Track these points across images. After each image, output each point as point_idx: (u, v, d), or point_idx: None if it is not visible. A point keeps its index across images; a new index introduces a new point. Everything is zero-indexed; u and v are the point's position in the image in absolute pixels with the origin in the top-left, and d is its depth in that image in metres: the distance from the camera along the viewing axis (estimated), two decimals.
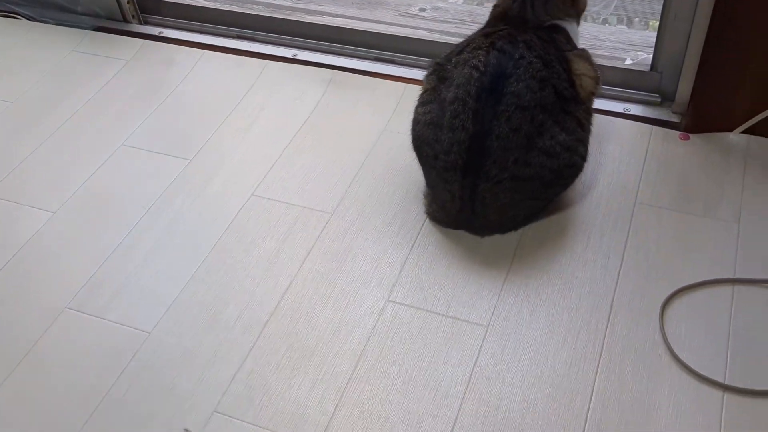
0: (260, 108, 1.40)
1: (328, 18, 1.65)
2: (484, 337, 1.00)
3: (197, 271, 1.12)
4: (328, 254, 1.12)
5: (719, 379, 0.92)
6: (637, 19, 1.66)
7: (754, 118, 1.19)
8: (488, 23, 1.15)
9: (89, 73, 1.51)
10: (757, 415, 0.89)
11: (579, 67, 1.08)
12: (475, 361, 0.97)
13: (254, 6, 1.72)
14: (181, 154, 1.31)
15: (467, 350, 0.98)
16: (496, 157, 1.01)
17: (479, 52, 1.04)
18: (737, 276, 1.03)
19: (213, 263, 1.13)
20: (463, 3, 1.72)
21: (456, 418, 0.92)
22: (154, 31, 1.62)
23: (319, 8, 1.71)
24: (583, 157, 1.07)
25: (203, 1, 1.72)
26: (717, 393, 0.91)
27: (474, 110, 1.01)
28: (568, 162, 1.04)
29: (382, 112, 1.36)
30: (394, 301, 1.05)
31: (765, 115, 1.17)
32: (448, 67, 1.08)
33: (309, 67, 1.48)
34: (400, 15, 1.69)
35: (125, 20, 1.64)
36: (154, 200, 1.23)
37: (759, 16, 1.09)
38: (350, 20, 1.64)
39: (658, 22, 1.64)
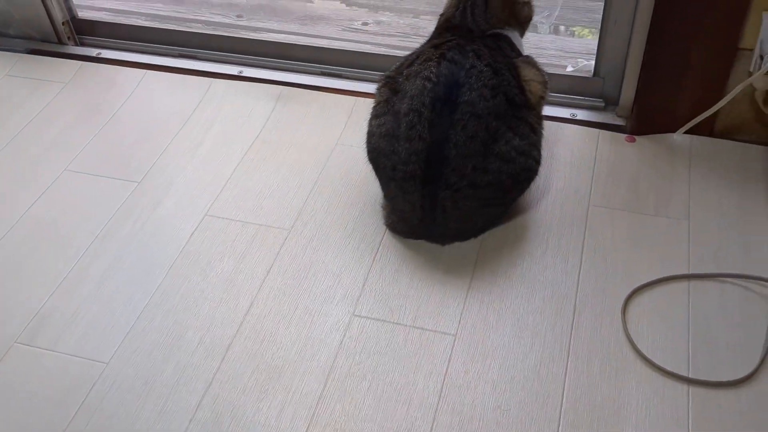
0: (208, 126, 1.37)
1: (271, 34, 1.64)
2: (453, 346, 0.99)
3: (153, 296, 1.08)
4: (289, 272, 1.10)
5: (683, 373, 0.94)
6: (574, 28, 1.71)
7: (695, 119, 1.23)
8: (435, 33, 1.16)
9: (26, 98, 1.45)
10: (722, 405, 0.91)
11: (527, 73, 1.10)
12: (446, 371, 0.97)
13: (193, 24, 1.70)
14: (128, 177, 1.27)
15: (437, 360, 0.98)
16: (455, 165, 1.01)
17: (430, 63, 1.05)
18: (692, 272, 1.06)
19: (169, 287, 1.09)
20: (405, 17, 1.73)
21: (431, 431, 0.91)
22: (92, 52, 1.57)
23: (261, 25, 1.70)
24: (538, 161, 1.09)
25: (141, 21, 1.69)
26: (682, 387, 0.93)
27: (430, 120, 1.02)
28: (524, 166, 1.06)
29: (334, 126, 1.35)
30: (359, 316, 1.04)
31: (705, 116, 1.21)
32: (400, 79, 1.09)
33: (256, 84, 1.46)
34: (344, 30, 1.69)
35: (60, 42, 1.58)
36: (102, 226, 1.19)
37: (697, 21, 1.13)
38: (293, 36, 1.63)
39: (592, 30, 1.70)
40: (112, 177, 1.28)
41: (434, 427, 0.91)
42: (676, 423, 0.90)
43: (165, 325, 1.04)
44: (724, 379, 0.93)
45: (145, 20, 1.69)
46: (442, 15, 1.16)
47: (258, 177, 1.26)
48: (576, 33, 1.69)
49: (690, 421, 0.90)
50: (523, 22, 1.16)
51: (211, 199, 1.22)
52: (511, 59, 1.09)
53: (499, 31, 1.11)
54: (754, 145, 1.24)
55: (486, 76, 1.03)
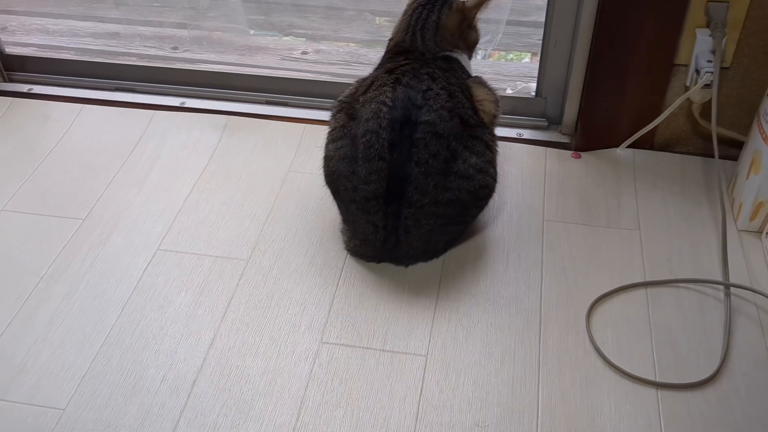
0: (153, 159, 1.33)
1: (210, 65, 1.61)
2: (425, 366, 0.99)
3: (108, 336, 1.03)
4: (251, 302, 1.08)
5: (651, 377, 0.97)
6: (511, 53, 1.76)
7: (636, 134, 1.28)
8: (386, 57, 1.17)
9: None
10: (690, 405, 0.94)
11: (479, 93, 1.12)
12: (421, 392, 0.96)
13: (127, 58, 1.66)
14: (71, 214, 1.22)
15: (411, 382, 0.97)
16: (418, 183, 1.01)
17: (385, 88, 1.06)
18: (648, 279, 1.09)
19: (125, 326, 1.04)
20: (344, 45, 1.74)
21: None
22: (23, 88, 1.51)
23: (198, 56, 1.67)
24: (495, 178, 1.10)
25: (73, 55, 1.63)
26: (651, 391, 0.95)
27: (389, 141, 1.02)
28: (482, 183, 1.07)
29: (284, 153, 1.33)
30: (328, 342, 1.02)
31: (646, 130, 1.26)
32: (356, 106, 1.09)
33: (200, 114, 1.43)
34: (283, 59, 1.68)
35: None
36: (47, 266, 1.13)
37: (634, 40, 1.19)
38: (232, 67, 1.61)
39: (528, 54, 1.75)
40: (55, 215, 1.22)
41: None
42: (648, 426, 0.92)
43: (124, 364, 0.99)
44: (690, 380, 0.96)
45: (75, 55, 1.64)
46: (391, 39, 1.18)
47: (210, 208, 1.23)
48: (514, 57, 1.75)
49: (662, 424, 0.92)
50: (471, 46, 1.18)
51: (162, 233, 1.18)
52: (463, 80, 1.11)
53: (449, 53, 1.13)
54: (693, 156, 1.30)
55: (442, 98, 1.04)
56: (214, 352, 1.01)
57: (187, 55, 1.68)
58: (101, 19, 1.82)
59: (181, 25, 1.75)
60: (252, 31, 1.80)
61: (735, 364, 0.98)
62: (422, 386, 0.96)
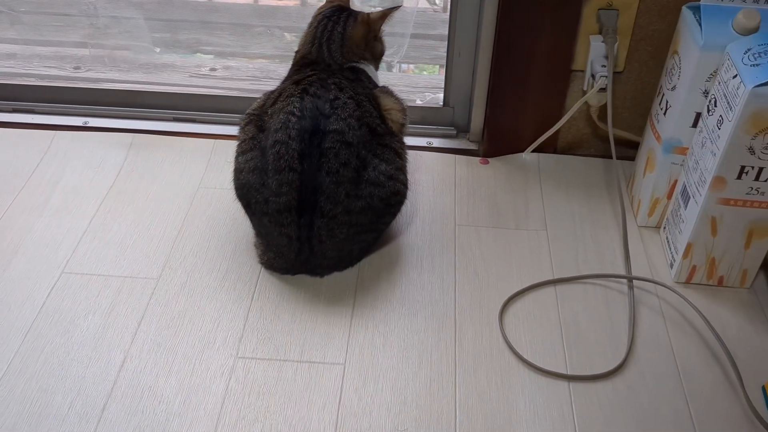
0: (55, 180, 1.28)
1: (114, 84, 1.57)
2: (343, 375, 0.99)
3: (11, 364, 0.98)
4: (162, 321, 1.05)
5: (562, 371, 1.00)
6: (418, 65, 1.80)
7: (539, 139, 1.33)
8: (293, 70, 1.17)
9: None
10: (600, 396, 0.97)
11: (386, 102, 1.13)
12: (340, 401, 0.95)
13: (26, 79, 1.59)
14: None
15: (329, 392, 0.96)
16: (329, 193, 1.02)
17: (293, 99, 1.06)
18: (556, 277, 1.13)
19: (29, 352, 1.00)
20: (254, 61, 1.74)
21: None
22: None
23: (102, 76, 1.63)
24: (405, 185, 1.12)
25: None
26: (563, 384, 0.98)
27: (299, 151, 1.02)
28: (393, 190, 1.08)
29: (194, 170, 1.31)
30: (243, 357, 1.00)
31: (548, 135, 1.31)
32: (265, 118, 1.08)
33: (105, 133, 1.39)
34: (191, 76, 1.66)
35: None
36: None
37: (532, 48, 1.23)
38: (137, 85, 1.58)
39: (436, 66, 1.79)
40: None
41: None
42: (562, 419, 0.94)
43: (28, 393, 0.95)
44: (599, 372, 0.99)
45: None
46: (297, 52, 1.18)
47: (117, 228, 1.19)
48: (426, 72, 1.78)
49: (574, 415, 0.95)
50: (377, 57, 1.20)
51: (66, 255, 1.14)
52: (370, 90, 1.13)
53: (355, 64, 1.15)
54: (594, 158, 1.35)
55: (350, 107, 1.05)
56: (124, 375, 0.98)
57: (89, 74, 1.63)
58: None
59: (82, 44, 1.70)
60: (158, 49, 1.76)
61: (640, 352, 1.02)
62: (341, 395, 0.96)
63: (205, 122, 1.44)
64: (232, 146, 1.12)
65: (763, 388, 0.98)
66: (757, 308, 1.09)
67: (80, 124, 1.42)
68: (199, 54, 1.76)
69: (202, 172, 1.31)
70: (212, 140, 1.38)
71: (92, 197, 1.25)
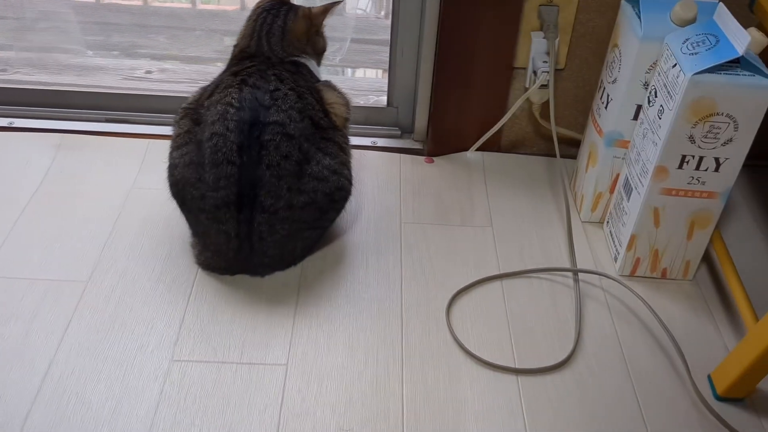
0: None
1: (44, 86, 1.50)
2: (286, 375, 0.94)
3: None
4: (92, 325, 0.99)
5: (510, 364, 0.98)
6: (360, 68, 1.78)
7: (482, 138, 1.32)
8: (232, 62, 1.13)
9: None
10: (549, 388, 0.95)
11: (329, 96, 1.11)
12: (282, 402, 0.91)
13: None
14: None
15: (271, 393, 0.92)
16: (270, 187, 0.98)
17: (231, 90, 1.02)
18: (502, 272, 1.11)
19: None
20: (191, 63, 1.69)
21: None
22: None
23: (31, 78, 1.56)
24: (350, 180, 1.09)
25: None
26: (511, 378, 0.96)
27: (237, 144, 0.98)
28: (337, 185, 1.05)
29: (126, 170, 1.26)
30: (179, 360, 0.95)
31: (491, 133, 1.31)
32: (201, 110, 1.04)
33: (31, 134, 1.32)
34: (125, 79, 1.60)
35: None
36: None
37: (474, 47, 1.23)
38: (69, 87, 1.51)
39: (377, 69, 1.78)
40: None
41: None
42: (510, 412, 0.92)
43: None
44: (547, 364, 0.98)
45: None
46: (236, 45, 1.14)
47: (44, 230, 1.13)
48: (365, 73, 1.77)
49: (523, 408, 0.93)
50: (319, 52, 1.17)
51: None
52: (312, 84, 1.10)
53: (296, 58, 1.12)
54: (537, 156, 1.35)
55: (291, 99, 1.02)
56: (49, 382, 0.91)
57: (17, 76, 1.56)
58: None
59: (7, 47, 1.63)
60: (90, 52, 1.70)
61: (587, 344, 1.01)
62: (283, 396, 0.92)
63: (138, 122, 1.38)
64: (167, 145, 1.07)
65: (710, 377, 0.98)
66: (700, 299, 1.10)
67: (5, 124, 1.34)
68: (134, 57, 1.70)
69: (135, 172, 1.25)
70: (146, 140, 1.32)
71: (17, 199, 1.18)
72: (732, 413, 0.93)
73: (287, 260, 1.08)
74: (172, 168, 1.04)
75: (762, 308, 0.96)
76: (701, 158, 0.99)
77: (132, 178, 1.24)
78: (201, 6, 1.87)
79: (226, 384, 0.93)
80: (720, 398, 0.95)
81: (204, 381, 0.93)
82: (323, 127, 1.06)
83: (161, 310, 1.02)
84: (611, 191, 1.18)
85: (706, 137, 0.97)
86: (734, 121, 0.94)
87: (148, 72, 1.63)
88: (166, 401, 0.90)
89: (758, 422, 0.93)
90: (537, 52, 1.21)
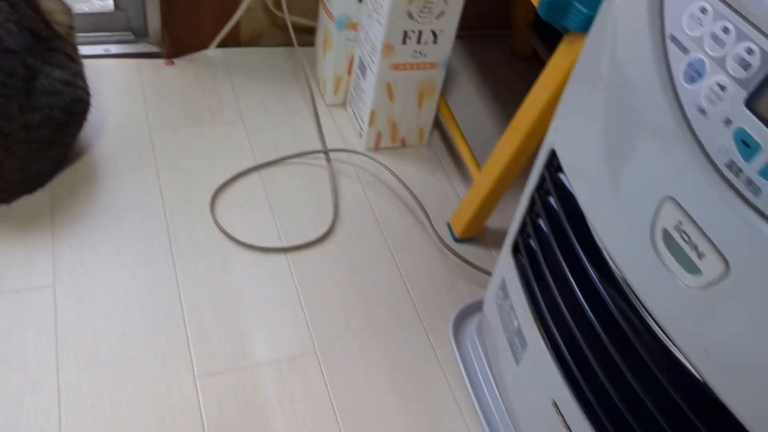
0: None
1: None
2: (55, 296, 0.93)
3: None
4: None
5: (278, 245, 1.05)
6: None
7: (219, 34, 1.32)
8: None
9: None
10: (316, 259, 1.04)
11: (47, 5, 1.04)
12: (56, 322, 0.90)
13: None
14: None
15: (42, 316, 0.90)
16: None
17: None
18: (258, 163, 1.16)
19: None
20: None
21: (58, 383, 0.84)
22: None
23: None
24: (86, 90, 1.05)
25: None
26: (281, 256, 1.04)
27: None
28: (73, 97, 1.01)
29: None
30: None
31: (228, 29, 1.31)
32: None
33: None
34: None
35: None
36: None
37: None
38: None
39: None
40: None
41: (60, 377, 0.85)
42: (284, 288, 1.00)
43: None
44: (311, 239, 1.07)
45: None
46: None
47: None
48: None
49: (295, 282, 1.01)
50: None
51: None
52: None
53: None
54: (278, 48, 1.39)
55: (5, 11, 0.94)
56: None
57: None
58: None
59: None
60: None
61: (345, 215, 1.11)
62: (56, 315, 0.91)
63: None
64: None
65: (449, 224, 1.13)
66: (436, 162, 1.24)
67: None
68: None
69: None
70: None
71: None
72: (469, 251, 1.10)
73: (34, 182, 1.03)
74: None
75: (484, 160, 1.12)
76: (420, 32, 1.09)
77: None
78: None
79: None
80: (458, 240, 1.11)
81: None
82: (46, 38, 1.00)
83: None
84: (349, 73, 1.26)
85: (422, 12, 1.07)
86: None
87: None
88: None
89: (489, 254, 1.10)
90: None
